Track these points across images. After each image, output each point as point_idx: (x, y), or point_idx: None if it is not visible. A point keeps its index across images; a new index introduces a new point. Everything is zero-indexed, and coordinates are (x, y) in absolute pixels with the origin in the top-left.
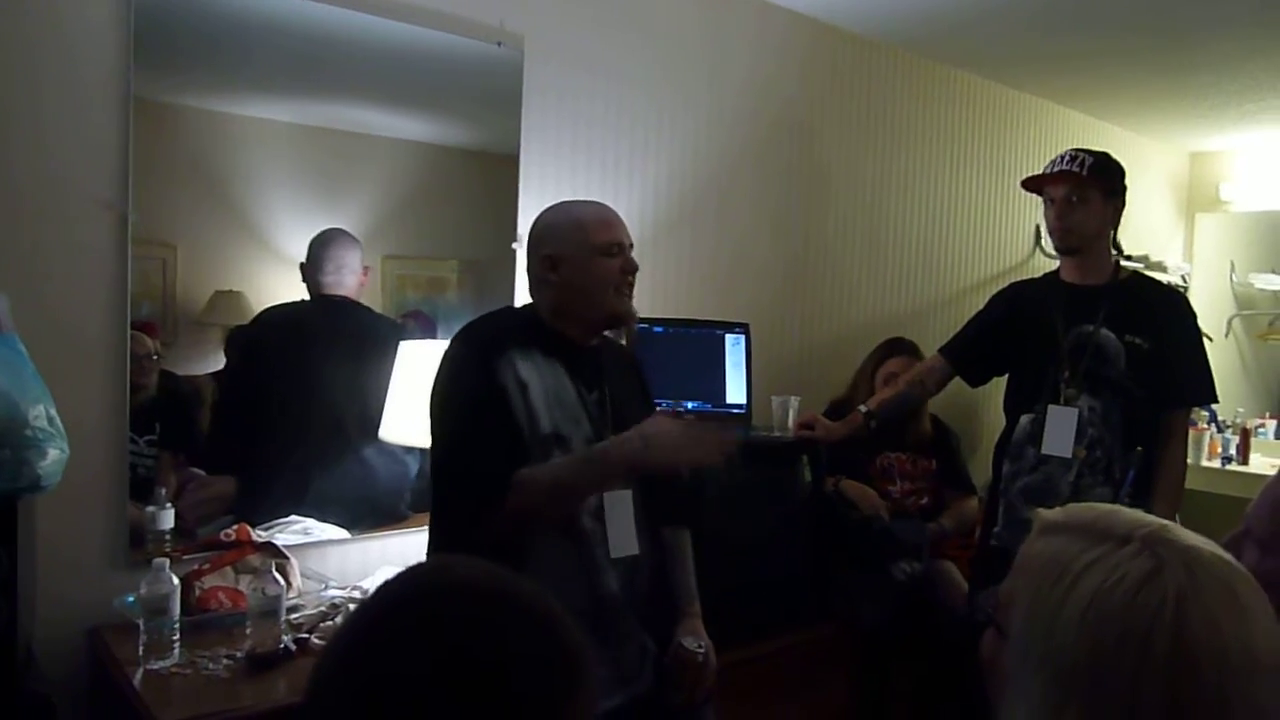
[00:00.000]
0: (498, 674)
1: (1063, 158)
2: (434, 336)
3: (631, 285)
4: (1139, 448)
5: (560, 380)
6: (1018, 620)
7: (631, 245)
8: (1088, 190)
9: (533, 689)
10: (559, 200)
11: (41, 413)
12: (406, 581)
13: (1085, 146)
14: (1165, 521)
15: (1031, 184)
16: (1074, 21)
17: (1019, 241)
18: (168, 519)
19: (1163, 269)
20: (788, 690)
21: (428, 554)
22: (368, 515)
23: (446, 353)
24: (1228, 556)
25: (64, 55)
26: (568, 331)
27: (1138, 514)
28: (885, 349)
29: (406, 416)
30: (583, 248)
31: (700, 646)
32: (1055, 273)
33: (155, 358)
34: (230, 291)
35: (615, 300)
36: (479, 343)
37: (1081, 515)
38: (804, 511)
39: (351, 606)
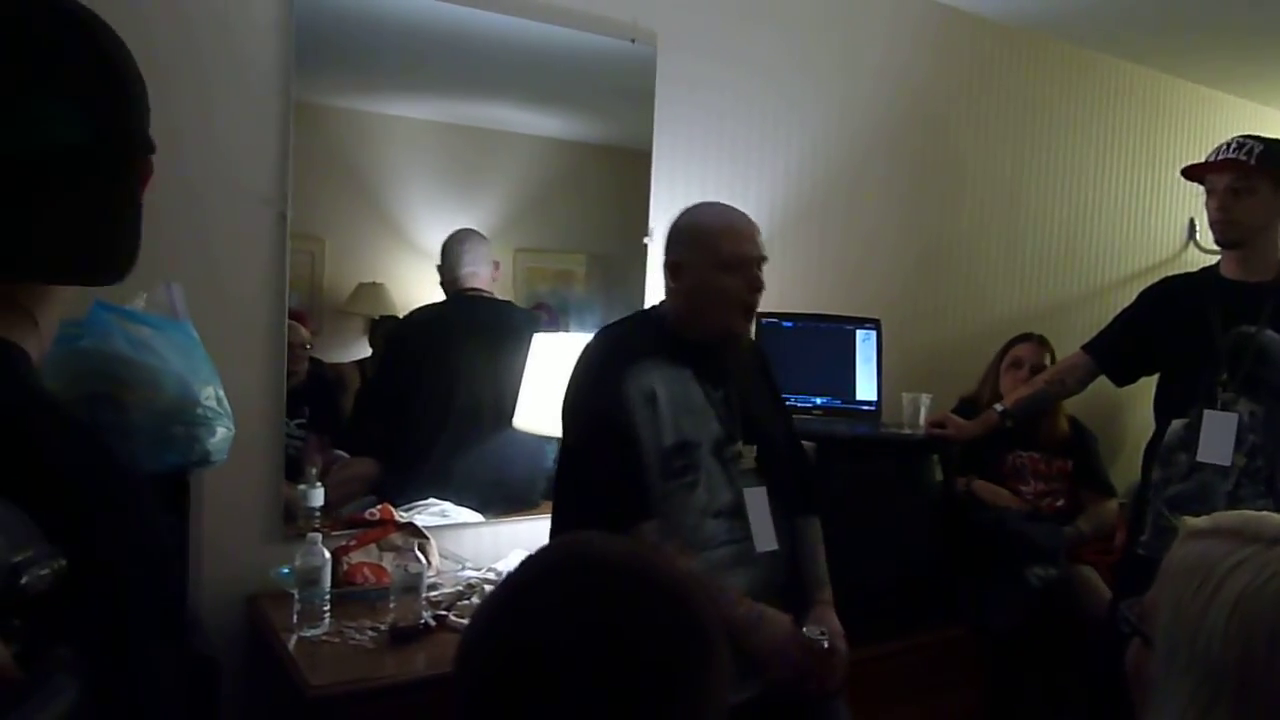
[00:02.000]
0: (636, 645)
1: (1229, 145)
2: (560, 328)
3: (755, 304)
4: None
5: (687, 384)
6: (1163, 626)
7: (763, 259)
8: (1255, 179)
9: (669, 661)
10: (689, 195)
11: (212, 393)
12: (550, 555)
13: (1251, 133)
14: None
15: (1193, 172)
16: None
17: (1170, 235)
18: (317, 497)
19: None
20: (913, 691)
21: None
22: (501, 500)
23: (580, 358)
24: None
25: (231, 61)
26: (690, 337)
27: None
28: (1012, 340)
29: (540, 406)
30: (705, 259)
31: (824, 634)
32: (1214, 268)
33: (307, 345)
34: (372, 283)
35: (731, 319)
36: (609, 354)
37: (1229, 520)
38: (934, 511)
39: (487, 587)
